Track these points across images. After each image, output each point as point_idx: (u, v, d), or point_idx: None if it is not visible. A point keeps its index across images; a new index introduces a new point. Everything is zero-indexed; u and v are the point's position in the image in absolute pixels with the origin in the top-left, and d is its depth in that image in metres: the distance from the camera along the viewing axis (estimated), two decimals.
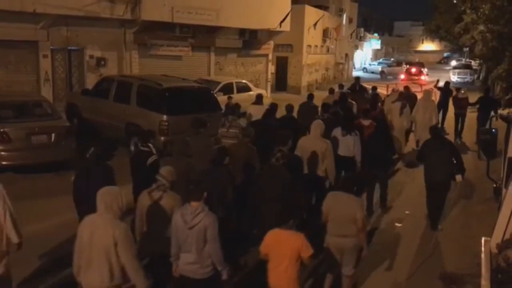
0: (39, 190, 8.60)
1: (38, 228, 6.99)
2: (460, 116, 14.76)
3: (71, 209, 7.79)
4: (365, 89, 15.77)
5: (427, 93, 13.07)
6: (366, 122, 8.86)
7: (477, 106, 14.37)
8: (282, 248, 4.34)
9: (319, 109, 10.04)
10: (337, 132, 8.06)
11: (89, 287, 4.09)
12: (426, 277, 6.29)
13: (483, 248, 4.12)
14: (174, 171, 4.99)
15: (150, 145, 6.51)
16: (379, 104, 12.29)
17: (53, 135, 9.43)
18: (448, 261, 6.69)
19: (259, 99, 10.75)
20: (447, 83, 16.38)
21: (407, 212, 8.57)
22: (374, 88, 14.68)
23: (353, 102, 11.72)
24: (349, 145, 7.87)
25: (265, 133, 7.56)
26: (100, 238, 3.95)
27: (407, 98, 12.67)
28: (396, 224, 8.12)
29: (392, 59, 51.53)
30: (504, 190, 4.64)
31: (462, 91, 15.18)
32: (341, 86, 15.49)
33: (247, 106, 10.85)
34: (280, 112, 9.56)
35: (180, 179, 5.13)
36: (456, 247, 7.16)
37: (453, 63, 50.75)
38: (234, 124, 8.35)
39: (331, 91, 12.99)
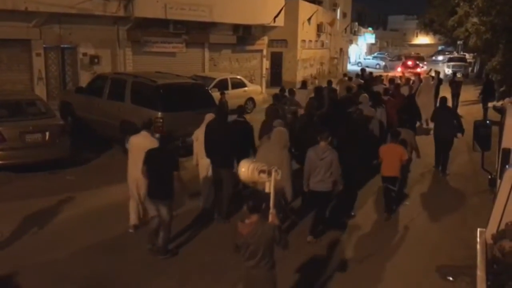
0: (34, 189, 8.54)
1: (33, 227, 6.98)
2: (455, 96, 18.02)
3: (67, 207, 7.81)
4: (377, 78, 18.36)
5: (427, 80, 16.44)
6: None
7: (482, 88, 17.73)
8: (391, 152, 7.81)
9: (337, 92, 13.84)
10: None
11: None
12: (422, 269, 6.31)
13: (478, 239, 4.14)
14: (282, 123, 7.65)
15: (244, 116, 8.57)
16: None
17: (47, 133, 9.38)
18: (444, 253, 6.72)
19: (304, 84, 14.72)
20: (438, 73, 19.57)
21: (406, 202, 8.63)
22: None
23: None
24: (377, 114, 10.32)
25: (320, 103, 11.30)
26: (273, 158, 6.08)
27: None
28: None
29: (386, 53, 51.58)
30: (498, 181, 4.65)
31: (458, 75, 19.05)
32: (360, 72, 19.01)
33: (296, 90, 13.09)
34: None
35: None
36: (451, 239, 7.19)
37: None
38: (294, 103, 11.45)
39: (350, 79, 16.96)
